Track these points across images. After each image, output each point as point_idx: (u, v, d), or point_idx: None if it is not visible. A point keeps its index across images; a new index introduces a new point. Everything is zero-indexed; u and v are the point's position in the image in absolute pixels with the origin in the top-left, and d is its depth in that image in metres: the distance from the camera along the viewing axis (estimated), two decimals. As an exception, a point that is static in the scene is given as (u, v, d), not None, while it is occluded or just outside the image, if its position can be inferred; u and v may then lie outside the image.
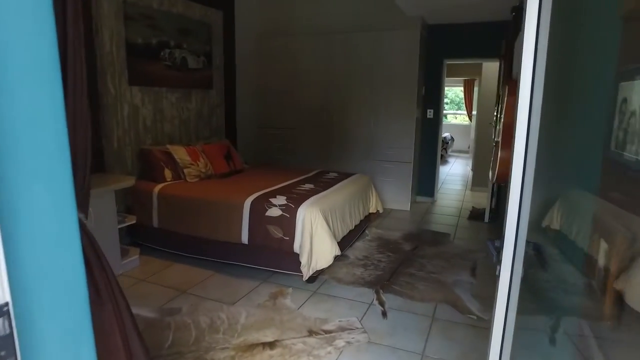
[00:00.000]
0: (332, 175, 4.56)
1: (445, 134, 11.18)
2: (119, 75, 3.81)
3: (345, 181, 4.28)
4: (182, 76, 4.63)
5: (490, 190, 5.13)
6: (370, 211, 4.57)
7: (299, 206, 3.26)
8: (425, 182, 6.17)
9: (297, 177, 4.34)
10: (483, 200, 6.34)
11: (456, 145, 12.45)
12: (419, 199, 6.22)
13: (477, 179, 7.05)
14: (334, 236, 3.39)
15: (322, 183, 4.10)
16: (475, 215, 5.35)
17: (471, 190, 7.10)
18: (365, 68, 5.53)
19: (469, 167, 9.66)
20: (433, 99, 5.92)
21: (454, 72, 8.94)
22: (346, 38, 5.57)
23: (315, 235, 3.18)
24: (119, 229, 3.46)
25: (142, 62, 4.05)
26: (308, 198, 3.43)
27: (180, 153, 4.14)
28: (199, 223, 3.54)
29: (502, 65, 4.20)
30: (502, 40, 4.20)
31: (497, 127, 4.14)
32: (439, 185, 6.55)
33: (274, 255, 3.38)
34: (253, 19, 5.96)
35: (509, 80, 2.18)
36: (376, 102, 5.56)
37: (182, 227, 3.63)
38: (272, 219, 3.27)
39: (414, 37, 5.23)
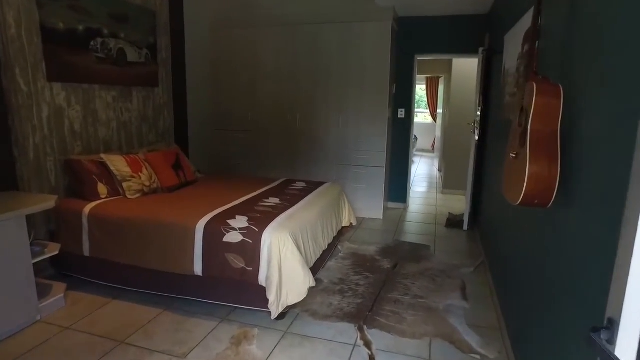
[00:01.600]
0: (300, 185, 4.00)
1: (409, 133, 10.88)
2: (33, 68, 3.06)
3: (315, 193, 3.74)
4: (119, 71, 3.91)
5: (469, 197, 4.76)
6: (344, 225, 4.06)
7: (263, 229, 2.68)
8: (397, 187, 5.74)
9: (259, 189, 3.75)
10: (457, 204, 6.00)
11: (419, 144, 12.23)
12: (391, 205, 5.78)
13: (449, 181, 6.73)
14: (307, 262, 2.85)
15: (289, 196, 3.54)
16: (453, 222, 4.97)
17: (442, 193, 6.76)
18: (333, 63, 5.01)
19: (435, 168, 9.40)
20: (404, 98, 5.49)
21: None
22: (312, 30, 5.02)
23: (285, 265, 2.61)
24: (39, 261, 2.75)
25: (64, 53, 3.30)
26: (274, 218, 2.85)
27: (118, 163, 3.44)
28: (141, 251, 2.88)
29: (505, 60, 3.79)
30: (486, 33, 3.79)
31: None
32: (411, 177, 6.15)
33: (235, 289, 2.79)
34: (205, 7, 5.28)
35: (534, 76, 1.69)
36: (345, 101, 5.05)
37: (119, 255, 2.96)
38: (231, 246, 2.68)
39: (385, 29, 4.76)
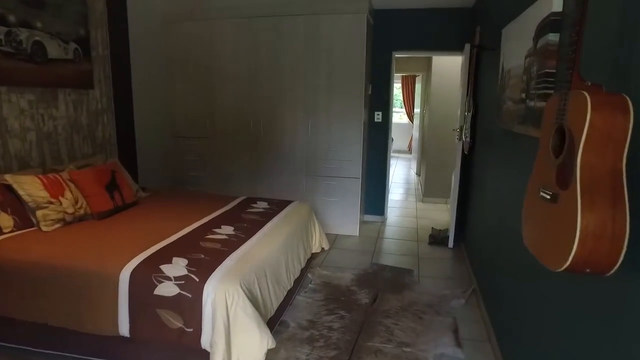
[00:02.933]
0: (261, 206, 3.39)
1: (385, 134, 10.39)
2: None
3: (279, 217, 3.14)
4: (37, 70, 3.20)
5: (455, 211, 4.26)
6: (314, 251, 3.48)
7: (206, 279, 2.07)
8: (374, 198, 5.20)
9: (211, 212, 3.12)
10: (439, 215, 5.50)
11: (395, 145, 11.76)
12: (368, 217, 5.24)
13: (429, 189, 6.24)
14: (266, 313, 2.26)
15: (246, 223, 2.93)
16: (437, 239, 4.46)
17: (422, 202, 6.27)
18: (300, 62, 4.41)
19: (413, 170, 8.94)
20: (381, 100, 4.94)
21: (395, 68, 8.11)
22: (276, 23, 4.40)
23: (235, 325, 2.01)
24: None
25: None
26: (223, 260, 2.24)
27: (30, 186, 2.75)
28: (50, 307, 2.22)
29: (503, 58, 3.26)
30: (477, 26, 3.27)
31: (461, 138, 3.23)
32: (389, 188, 5.63)
33: (173, 352, 2.17)
34: (152, -3, 4.59)
35: (580, 82, 1.14)
36: (314, 104, 4.46)
37: (21, 311, 2.28)
38: (164, 301, 2.05)
39: (359, 23, 4.19)
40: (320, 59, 4.35)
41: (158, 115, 4.85)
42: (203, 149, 4.89)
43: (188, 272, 2.11)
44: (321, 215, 4.66)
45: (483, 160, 3.35)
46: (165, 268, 2.12)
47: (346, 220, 4.63)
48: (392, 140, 11.11)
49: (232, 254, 2.32)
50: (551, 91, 1.74)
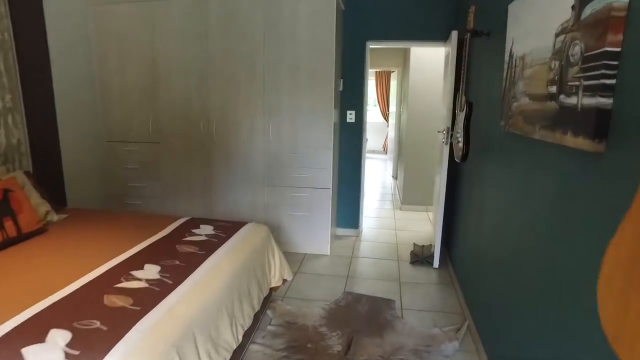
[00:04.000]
0: (205, 232, 2.69)
1: (359, 134, 9.79)
2: None
3: (226, 246, 2.45)
4: None
5: (440, 227, 3.66)
6: (273, 285, 2.80)
7: (95, 367, 1.37)
8: (347, 209, 4.56)
9: (137, 243, 2.41)
10: (420, 225, 4.92)
11: (370, 145, 11.20)
12: (341, 231, 4.60)
13: (408, 195, 5.65)
14: (193, 403, 1.57)
15: (179, 260, 2.22)
16: (421, 258, 3.86)
17: (401, 210, 5.68)
18: (258, 53, 3.72)
19: (389, 173, 8.37)
20: (354, 97, 4.31)
21: (368, 63, 7.50)
22: (229, 7, 3.69)
23: None
24: None
25: None
26: (124, 333, 1.53)
27: None
28: None
29: (514, 40, 2.68)
30: (471, 6, 2.66)
31: (460, 144, 2.63)
32: (364, 198, 5.02)
33: None
34: (77, -27, 3.80)
35: None
36: (276, 102, 3.78)
37: None
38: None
39: (327, 8, 3.54)
40: (283, 50, 3.67)
41: (88, 116, 4.06)
42: (145, 156, 4.13)
43: (68, 350, 1.40)
44: (287, 232, 3.99)
45: (479, 173, 2.75)
46: (30, 351, 1.40)
47: (316, 237, 3.98)
48: (367, 140, 10.56)
49: (145, 318, 1.62)
50: (613, 80, 1.13)
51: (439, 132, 3.71)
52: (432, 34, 4.03)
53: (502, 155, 2.20)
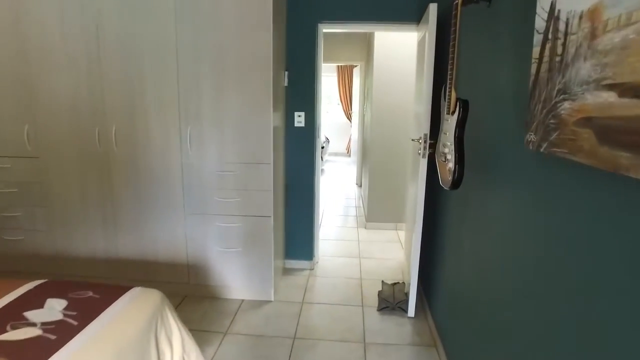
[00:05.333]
0: (48, 316, 1.66)
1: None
2: None
3: (77, 341, 1.44)
4: None
5: (416, 263, 2.78)
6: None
7: None
8: (298, 237, 3.63)
9: None
10: (389, 250, 4.04)
11: (332, 147, 10.32)
12: (290, 264, 3.66)
13: (374, 211, 4.77)
14: None
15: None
16: (391, 303, 2.97)
17: (366, 228, 4.79)
18: (170, 40, 2.72)
19: (353, 180, 7.50)
20: (304, 94, 3.37)
21: (323, 56, 6.58)
22: (119, -32, 2.68)
23: None
24: None
25: None
26: None
27: None
28: None
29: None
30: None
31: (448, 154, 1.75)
32: (319, 221, 4.13)
33: None
34: None
35: None
36: (195, 105, 2.79)
37: None
38: None
39: (258, -31, 2.58)
40: (203, 33, 2.69)
41: None
42: (22, 175, 3.04)
43: None
44: (217, 274, 3.02)
45: (479, 205, 1.87)
46: None
47: (255, 278, 3.02)
48: (328, 141, 9.66)
49: None
50: None
51: (413, 140, 2.83)
52: (402, 14, 3.15)
53: (527, 189, 1.33)
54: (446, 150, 1.83)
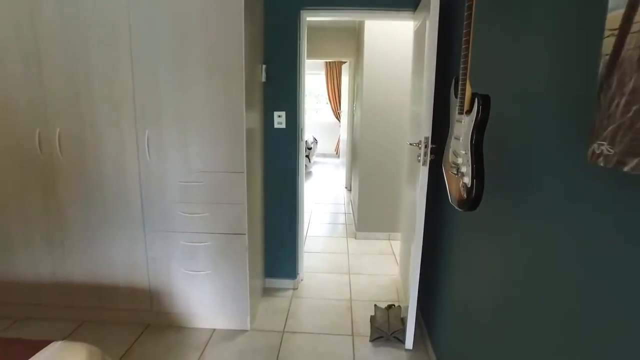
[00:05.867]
0: None
1: (307, 136, 8.50)
2: None
3: None
4: None
5: (416, 286, 2.38)
6: None
7: None
8: (280, 252, 3.21)
9: None
10: (381, 264, 3.64)
11: (320, 147, 9.92)
12: (271, 283, 3.25)
13: (365, 219, 4.37)
14: None
15: None
16: (385, 333, 2.57)
17: (356, 238, 4.39)
18: (121, 18, 2.28)
19: (342, 183, 7.11)
20: (285, 92, 2.95)
21: (309, 50, 6.17)
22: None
23: None
24: None
25: None
26: None
27: None
28: None
29: None
30: None
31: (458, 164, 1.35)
32: (303, 233, 3.73)
33: None
34: None
35: None
36: (154, 104, 2.36)
37: None
38: None
39: (226, -60, 2.16)
40: (160, 22, 2.25)
41: None
42: (-50, 187, 2.58)
43: None
44: (183, 300, 2.59)
45: (509, 237, 1.48)
46: None
47: (228, 305, 2.60)
48: (316, 142, 9.24)
49: None
50: None
51: (411, 144, 2.43)
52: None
53: (592, 221, 0.93)
54: (459, 160, 1.43)
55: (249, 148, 2.45)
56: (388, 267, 3.67)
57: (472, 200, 1.36)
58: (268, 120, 2.95)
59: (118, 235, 2.53)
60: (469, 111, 1.38)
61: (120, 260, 2.56)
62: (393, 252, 4.03)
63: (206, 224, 2.47)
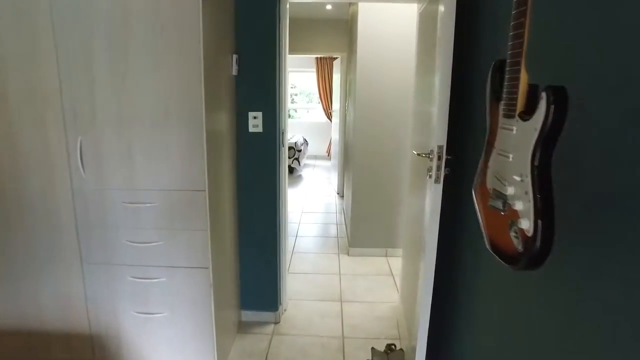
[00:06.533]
0: None
1: (296, 138, 8.00)
2: None
3: None
4: None
5: (426, 320, 1.88)
6: None
7: None
8: (258, 282, 2.69)
9: None
10: (378, 289, 3.13)
11: (311, 149, 9.40)
12: (248, 316, 2.73)
13: (359, 234, 3.86)
14: None
15: None
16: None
17: (349, 255, 3.89)
18: (43, 11, 1.75)
19: (333, 187, 6.60)
20: (262, 88, 2.42)
21: (297, 44, 5.65)
22: None
23: None
24: None
25: None
26: None
27: None
28: None
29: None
30: None
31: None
32: (286, 257, 3.24)
33: None
34: None
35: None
36: (87, 97, 1.82)
37: None
38: None
39: None
40: (96, 6, 1.73)
41: None
42: None
43: None
44: (135, 348, 2.07)
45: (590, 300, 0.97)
46: None
47: (190, 354, 2.08)
48: (306, 143, 8.72)
49: None
50: None
51: (418, 155, 1.92)
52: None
53: None
54: (509, 190, 0.92)
55: (213, 158, 1.93)
56: (386, 292, 3.17)
57: (534, 255, 0.86)
58: (241, 122, 2.43)
59: (47, 268, 2.00)
60: (526, 113, 0.88)
61: (50, 298, 2.03)
62: (391, 271, 3.53)
63: (160, 255, 1.95)
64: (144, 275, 1.97)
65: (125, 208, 1.90)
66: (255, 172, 2.49)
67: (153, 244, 1.93)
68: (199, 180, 1.86)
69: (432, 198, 1.73)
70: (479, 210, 1.11)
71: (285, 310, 2.86)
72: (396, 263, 3.66)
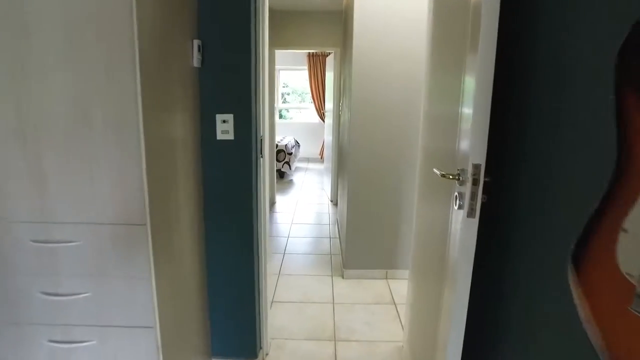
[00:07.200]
0: None
1: (287, 140, 7.47)
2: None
3: None
4: None
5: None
6: None
7: None
8: (230, 323, 2.16)
9: None
10: (379, 322, 2.61)
11: (303, 151, 8.88)
12: (222, 367, 2.21)
13: (354, 252, 3.35)
14: None
15: None
16: None
17: (344, 277, 3.37)
18: None
19: (326, 193, 6.09)
20: (234, 84, 1.89)
21: (285, 39, 5.12)
22: None
23: None
24: None
25: None
26: None
27: None
28: None
29: None
30: None
31: None
32: (266, 293, 2.73)
33: None
34: None
35: None
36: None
37: None
38: None
39: None
40: None
41: None
42: None
43: None
44: None
45: None
46: None
47: None
48: (298, 145, 8.20)
49: None
50: None
51: (444, 176, 1.40)
52: None
53: None
54: None
55: (161, 176, 1.41)
56: (389, 327, 2.66)
57: None
58: (207, 127, 1.90)
59: None
60: None
61: (-57, 369, 1.50)
62: (393, 299, 3.03)
63: (88, 311, 1.43)
64: (66, 337, 1.45)
65: (34, 249, 1.38)
66: (225, 190, 1.96)
67: (78, 296, 1.41)
68: (136, 209, 1.34)
69: (464, 234, 1.22)
70: (586, 306, 0.59)
71: (267, 354, 2.34)
72: (399, 287, 3.16)
